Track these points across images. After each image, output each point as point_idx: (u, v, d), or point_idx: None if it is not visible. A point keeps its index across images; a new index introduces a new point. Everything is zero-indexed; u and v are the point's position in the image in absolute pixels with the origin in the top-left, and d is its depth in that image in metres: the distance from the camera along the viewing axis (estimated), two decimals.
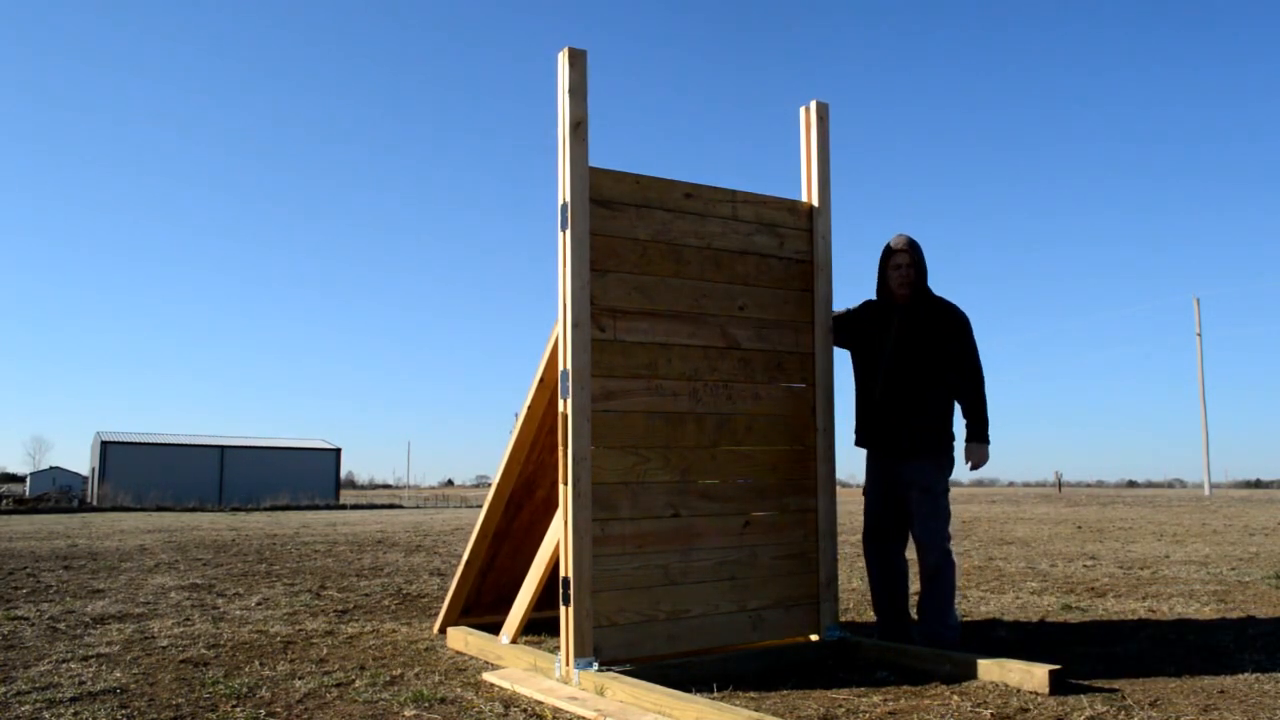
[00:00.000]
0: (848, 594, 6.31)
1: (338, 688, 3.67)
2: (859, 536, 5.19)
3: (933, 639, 4.31)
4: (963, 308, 4.52)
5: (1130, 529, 12.98)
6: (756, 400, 4.21)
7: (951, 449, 4.48)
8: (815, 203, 4.47)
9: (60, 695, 3.52)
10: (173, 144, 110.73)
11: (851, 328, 4.63)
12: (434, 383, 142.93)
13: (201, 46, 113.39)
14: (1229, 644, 4.38)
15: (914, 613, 4.67)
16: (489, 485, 4.91)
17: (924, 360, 4.42)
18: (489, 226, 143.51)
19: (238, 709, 3.33)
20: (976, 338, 4.52)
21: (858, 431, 4.63)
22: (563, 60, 3.84)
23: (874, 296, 4.64)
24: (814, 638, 4.26)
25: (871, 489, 4.60)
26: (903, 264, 4.46)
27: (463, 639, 4.50)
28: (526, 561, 4.53)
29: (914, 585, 4.74)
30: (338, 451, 50.97)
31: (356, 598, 6.38)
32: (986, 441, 4.45)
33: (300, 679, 3.81)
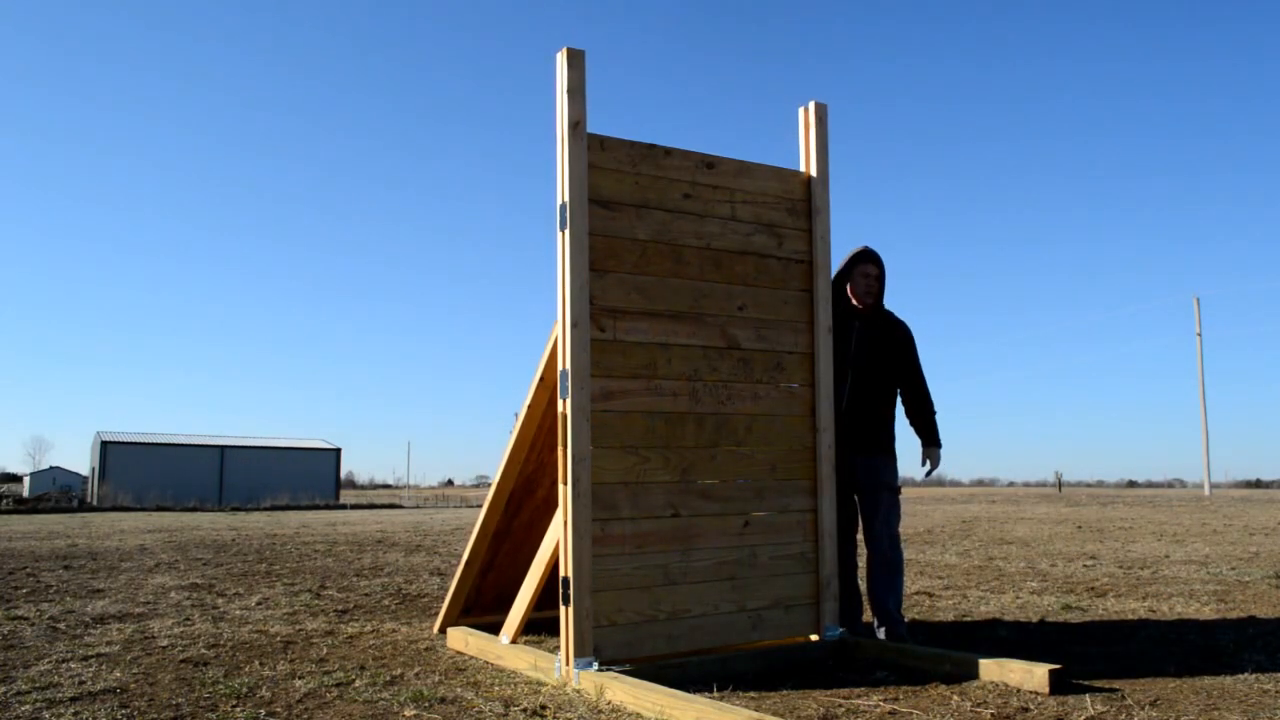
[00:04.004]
0: None
1: (338, 688, 3.67)
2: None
3: (895, 628, 4.53)
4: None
5: (1130, 529, 12.98)
6: (756, 400, 4.21)
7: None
8: (814, 203, 4.48)
9: (60, 695, 3.52)
10: (174, 141, 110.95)
11: None
12: (434, 383, 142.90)
13: (198, 42, 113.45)
14: (1229, 644, 4.38)
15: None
16: (489, 485, 4.91)
17: (886, 366, 4.69)
18: (489, 226, 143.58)
19: (238, 709, 3.33)
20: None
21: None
22: (561, 60, 3.84)
23: None
24: (814, 638, 4.27)
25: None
26: (872, 274, 4.71)
27: (463, 639, 4.51)
28: (526, 561, 4.53)
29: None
30: (338, 451, 50.97)
31: (356, 598, 6.38)
32: (940, 445, 4.81)
33: (300, 679, 3.81)
